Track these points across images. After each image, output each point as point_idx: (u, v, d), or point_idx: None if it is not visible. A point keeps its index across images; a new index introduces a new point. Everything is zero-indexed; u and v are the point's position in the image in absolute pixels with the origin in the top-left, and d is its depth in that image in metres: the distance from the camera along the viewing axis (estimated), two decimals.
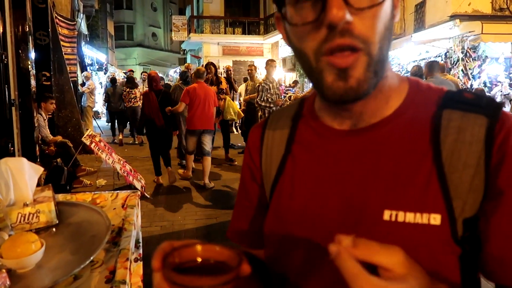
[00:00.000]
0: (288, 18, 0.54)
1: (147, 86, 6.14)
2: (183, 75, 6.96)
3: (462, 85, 9.20)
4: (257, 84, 6.75)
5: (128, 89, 9.40)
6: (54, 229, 1.19)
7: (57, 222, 1.21)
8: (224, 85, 6.81)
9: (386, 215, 0.54)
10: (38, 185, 1.30)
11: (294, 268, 0.61)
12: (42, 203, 1.18)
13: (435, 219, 0.52)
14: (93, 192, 1.78)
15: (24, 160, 1.23)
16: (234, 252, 0.48)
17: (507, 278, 0.52)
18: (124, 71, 15.95)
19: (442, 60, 10.00)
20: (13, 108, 3.96)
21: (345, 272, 0.42)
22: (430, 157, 0.54)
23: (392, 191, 0.55)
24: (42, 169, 1.28)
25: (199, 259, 0.49)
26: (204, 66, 6.65)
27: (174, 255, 0.48)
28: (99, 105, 12.98)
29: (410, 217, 0.52)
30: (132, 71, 11.85)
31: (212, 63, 6.80)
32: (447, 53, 9.78)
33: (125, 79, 10.28)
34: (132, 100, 9.34)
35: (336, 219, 0.57)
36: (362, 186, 0.57)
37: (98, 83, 15.18)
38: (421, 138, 0.56)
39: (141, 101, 6.90)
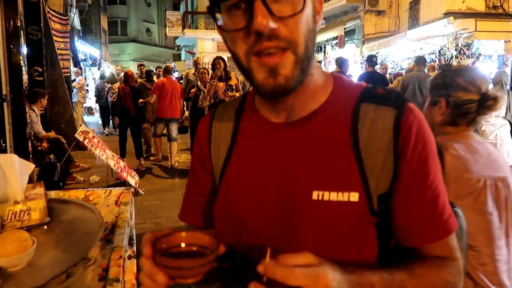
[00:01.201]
0: (223, 25, 0.62)
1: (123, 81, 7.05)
2: (147, 74, 7.70)
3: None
4: None
5: (110, 85, 9.99)
6: (45, 227, 1.18)
7: (49, 219, 1.19)
8: (233, 81, 6.21)
9: (315, 195, 0.63)
10: (30, 181, 1.28)
11: (240, 244, 0.69)
12: (34, 200, 1.17)
13: (354, 196, 0.62)
14: (86, 189, 1.77)
15: (15, 156, 1.21)
16: (212, 237, 0.57)
17: (410, 241, 0.65)
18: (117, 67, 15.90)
19: (436, 57, 10.05)
20: (5, 104, 3.91)
21: (276, 278, 0.51)
22: (350, 144, 0.63)
23: (318, 175, 0.64)
24: (33, 166, 1.26)
25: (183, 245, 0.57)
26: (212, 60, 6.18)
27: (162, 242, 0.55)
28: (93, 101, 12.94)
29: (333, 196, 0.62)
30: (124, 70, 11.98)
31: (221, 58, 6.22)
32: (441, 50, 9.82)
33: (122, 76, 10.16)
34: (114, 95, 9.48)
35: (274, 200, 0.66)
36: (294, 171, 0.65)
37: (91, 78, 15.09)
38: (342, 128, 0.65)
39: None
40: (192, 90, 6.44)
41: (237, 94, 6.19)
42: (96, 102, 11.52)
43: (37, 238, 1.05)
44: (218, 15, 0.62)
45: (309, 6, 0.60)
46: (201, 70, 6.49)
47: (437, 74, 1.48)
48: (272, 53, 0.58)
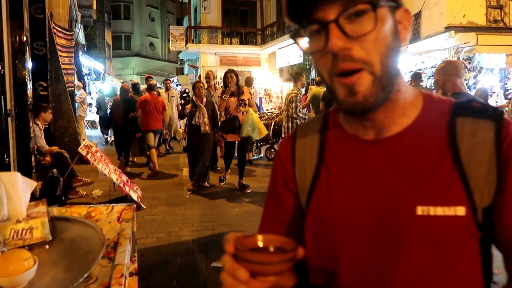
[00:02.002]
0: (305, 49, 0.65)
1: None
2: (135, 87, 8.26)
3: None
4: (291, 95, 6.15)
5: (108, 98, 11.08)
6: (47, 246, 1.17)
7: (51, 238, 1.19)
8: (246, 95, 5.81)
9: (419, 210, 0.62)
10: (33, 196, 1.28)
11: (337, 261, 0.69)
12: (36, 218, 1.17)
13: (461, 210, 0.61)
14: (88, 205, 1.76)
15: (18, 174, 1.21)
16: (288, 238, 0.58)
17: None
18: (122, 81, 16.10)
19: None
20: (9, 119, 3.94)
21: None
22: (449, 158, 0.63)
23: (420, 190, 0.63)
24: (35, 183, 1.26)
25: (261, 244, 0.59)
26: (224, 74, 5.79)
27: (242, 241, 0.57)
28: (95, 114, 13.18)
29: (439, 210, 0.61)
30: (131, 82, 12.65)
31: (232, 71, 5.82)
32: None
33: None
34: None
35: (373, 218, 0.65)
36: (392, 188, 0.65)
37: (95, 92, 15.26)
38: (439, 142, 0.65)
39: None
40: (187, 107, 5.90)
41: (251, 110, 5.85)
42: (97, 113, 12.16)
43: (38, 257, 1.04)
44: (301, 39, 0.65)
45: (386, 23, 0.61)
46: (197, 84, 6.05)
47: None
48: (348, 74, 0.60)
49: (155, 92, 7.61)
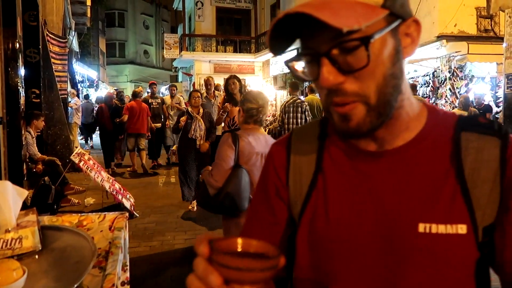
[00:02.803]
0: (301, 75, 0.64)
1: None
2: (119, 94, 9.18)
3: (450, 103, 9.36)
4: (302, 105, 5.86)
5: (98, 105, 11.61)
6: (37, 256, 1.16)
7: (41, 247, 1.17)
8: None
9: (421, 227, 0.61)
10: (24, 204, 1.27)
11: (333, 275, 0.66)
12: (26, 228, 1.15)
13: (462, 228, 0.60)
14: (79, 214, 1.74)
15: (9, 183, 1.20)
16: (270, 245, 0.52)
17: None
18: (116, 88, 16.15)
19: (430, 79, 10.19)
20: (1, 126, 3.90)
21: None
22: (453, 174, 0.61)
23: (423, 206, 0.61)
24: (27, 192, 1.24)
25: (240, 249, 0.52)
26: (226, 80, 5.17)
27: (219, 244, 0.51)
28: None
29: (441, 228, 0.60)
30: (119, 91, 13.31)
31: (235, 77, 5.18)
32: (435, 73, 9.97)
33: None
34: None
35: (372, 233, 0.63)
36: (394, 202, 0.63)
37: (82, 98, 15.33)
38: (443, 158, 0.63)
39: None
40: (181, 119, 5.13)
41: None
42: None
43: (28, 267, 1.03)
44: (296, 64, 0.63)
45: (383, 52, 0.58)
46: (193, 93, 5.30)
47: (242, 95, 2.53)
48: (342, 105, 0.59)
49: (140, 99, 8.37)
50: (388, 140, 0.65)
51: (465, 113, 6.81)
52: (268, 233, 0.74)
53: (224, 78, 5.99)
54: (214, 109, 6.00)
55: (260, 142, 2.33)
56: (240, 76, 5.22)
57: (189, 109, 5.27)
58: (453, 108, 9.10)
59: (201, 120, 5.14)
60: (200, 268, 0.49)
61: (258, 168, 2.21)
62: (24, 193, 1.22)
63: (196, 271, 0.49)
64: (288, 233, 0.74)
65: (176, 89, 9.10)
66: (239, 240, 0.53)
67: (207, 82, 6.52)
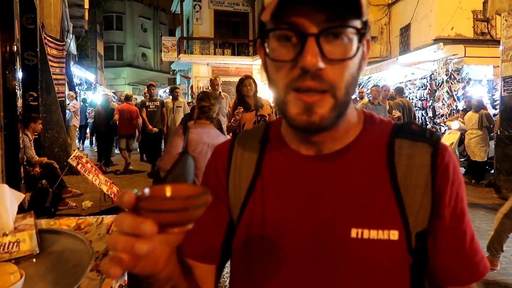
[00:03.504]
0: (269, 52, 0.60)
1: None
2: (127, 98, 9.22)
3: (448, 106, 9.39)
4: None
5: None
6: (34, 259, 1.15)
7: (38, 251, 1.17)
8: (266, 110, 4.32)
9: (353, 232, 0.60)
10: (22, 207, 1.26)
11: (265, 281, 0.65)
12: (23, 231, 1.15)
13: (394, 234, 0.60)
14: (77, 217, 1.74)
15: (6, 186, 1.20)
16: (196, 185, 0.52)
17: (449, 282, 0.63)
18: (113, 91, 16.20)
19: (427, 81, 10.23)
20: None
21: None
22: (388, 180, 0.62)
23: (357, 211, 0.61)
24: (23, 195, 1.24)
25: (169, 194, 0.51)
26: (240, 81, 4.34)
27: (144, 193, 0.48)
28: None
29: (373, 234, 0.60)
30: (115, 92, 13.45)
31: (250, 77, 4.39)
32: (432, 75, 10.01)
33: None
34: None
35: (306, 237, 0.63)
36: (329, 207, 0.62)
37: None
38: (378, 163, 0.63)
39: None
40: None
41: None
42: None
43: (25, 271, 1.03)
44: (266, 40, 0.60)
45: (360, 51, 0.59)
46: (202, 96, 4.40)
47: (200, 94, 2.90)
48: (311, 92, 0.57)
49: (131, 102, 9.01)
50: (327, 145, 0.65)
51: (477, 115, 6.90)
52: (205, 236, 0.71)
53: (222, 81, 5.78)
54: (222, 113, 5.33)
55: (209, 134, 2.71)
56: (238, 79, 4.78)
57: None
58: (451, 111, 9.13)
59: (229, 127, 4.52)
60: (128, 221, 0.44)
61: (205, 155, 2.57)
62: (21, 196, 1.22)
63: (122, 226, 0.45)
64: (228, 237, 0.71)
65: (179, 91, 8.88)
66: (164, 187, 0.51)
67: (214, 82, 5.82)
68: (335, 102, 0.58)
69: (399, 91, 7.69)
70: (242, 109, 4.13)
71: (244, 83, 4.27)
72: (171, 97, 8.56)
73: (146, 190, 0.49)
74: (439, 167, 0.61)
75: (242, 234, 0.68)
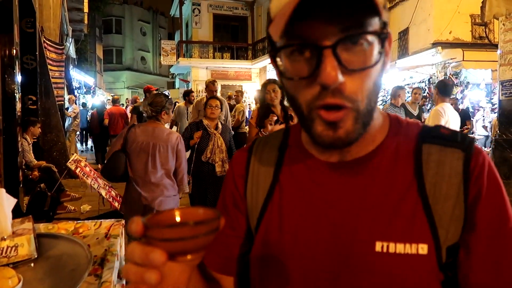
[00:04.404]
0: (282, 70, 0.56)
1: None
2: (135, 107, 9.71)
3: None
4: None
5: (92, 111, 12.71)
6: (32, 264, 1.15)
7: (36, 255, 1.17)
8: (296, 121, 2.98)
9: (378, 246, 0.56)
10: (20, 211, 1.26)
11: None
12: (22, 235, 1.15)
13: (423, 248, 0.55)
14: (75, 221, 1.74)
15: (3, 190, 1.20)
16: (206, 209, 0.49)
17: None
18: (112, 95, 16.35)
19: (425, 85, 10.26)
20: None
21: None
22: (415, 189, 0.57)
23: (381, 222, 0.56)
24: (15, 200, 1.23)
25: (178, 219, 0.49)
26: (263, 85, 3.59)
27: (153, 219, 0.47)
28: None
29: (400, 248, 0.55)
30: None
31: (275, 81, 3.50)
32: (430, 79, 10.04)
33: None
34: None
35: (327, 250, 0.58)
36: (351, 218, 0.58)
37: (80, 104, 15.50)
38: (405, 171, 0.58)
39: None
40: (196, 134, 3.69)
41: None
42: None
43: (23, 275, 1.03)
44: (278, 59, 0.57)
45: (382, 56, 0.54)
46: (211, 101, 3.79)
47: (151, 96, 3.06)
48: (333, 110, 0.53)
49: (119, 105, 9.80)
50: (352, 152, 0.61)
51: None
52: (225, 247, 0.70)
53: (221, 85, 5.43)
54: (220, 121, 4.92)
55: (147, 132, 2.89)
56: (237, 83, 4.51)
57: (205, 121, 3.76)
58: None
59: (221, 138, 3.75)
60: (137, 251, 0.44)
61: (138, 152, 2.87)
62: (14, 201, 1.22)
63: (132, 256, 0.45)
64: (248, 247, 0.68)
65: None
66: (173, 212, 0.49)
67: (212, 88, 5.33)
68: (357, 115, 0.54)
69: (395, 94, 7.77)
70: (271, 121, 3.33)
71: (267, 89, 3.42)
72: (184, 100, 7.07)
73: (155, 217, 0.47)
74: (471, 173, 0.56)
75: (259, 244, 0.65)
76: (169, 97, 3.15)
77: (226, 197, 0.72)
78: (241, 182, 0.70)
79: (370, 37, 0.52)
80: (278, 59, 0.57)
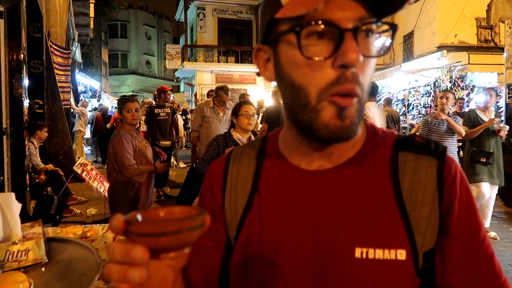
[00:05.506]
0: (290, 55, 0.55)
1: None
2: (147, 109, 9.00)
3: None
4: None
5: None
6: (43, 268, 1.16)
7: (47, 260, 1.17)
8: None
9: (358, 252, 0.56)
10: (27, 214, 1.27)
11: None
12: (32, 240, 1.15)
13: (401, 254, 0.55)
14: (83, 225, 1.75)
15: (13, 195, 1.20)
16: (191, 207, 0.48)
17: None
18: (117, 98, 16.42)
19: (431, 89, 10.22)
20: (4, 137, 3.92)
21: None
22: (392, 195, 0.58)
23: (361, 229, 0.57)
24: (20, 205, 1.23)
25: (162, 217, 0.47)
26: (273, 92, 3.53)
27: (136, 216, 0.45)
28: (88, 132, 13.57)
29: (379, 253, 0.56)
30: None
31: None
32: (436, 82, 10.00)
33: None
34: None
35: (307, 257, 0.58)
36: (331, 225, 0.58)
37: (91, 109, 15.45)
38: (382, 178, 0.59)
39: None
40: (226, 151, 2.86)
41: None
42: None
43: (34, 279, 1.03)
44: (281, 45, 0.57)
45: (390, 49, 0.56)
46: (244, 106, 3.04)
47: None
48: (348, 96, 0.53)
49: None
50: (333, 158, 0.61)
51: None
52: (205, 260, 0.68)
53: (219, 86, 5.03)
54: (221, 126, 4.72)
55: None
56: (242, 86, 4.46)
57: (234, 133, 3.04)
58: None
59: None
60: (118, 248, 0.42)
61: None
62: (19, 206, 1.22)
63: (113, 255, 0.42)
64: (228, 258, 0.67)
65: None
66: (156, 210, 0.47)
67: (224, 99, 5.02)
68: (359, 107, 0.55)
69: (389, 101, 8.37)
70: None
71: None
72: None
73: (138, 214, 0.45)
74: (445, 181, 0.57)
75: (239, 254, 0.64)
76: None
77: (204, 207, 0.69)
78: (219, 192, 0.68)
79: (385, 28, 0.54)
80: (281, 46, 0.57)
